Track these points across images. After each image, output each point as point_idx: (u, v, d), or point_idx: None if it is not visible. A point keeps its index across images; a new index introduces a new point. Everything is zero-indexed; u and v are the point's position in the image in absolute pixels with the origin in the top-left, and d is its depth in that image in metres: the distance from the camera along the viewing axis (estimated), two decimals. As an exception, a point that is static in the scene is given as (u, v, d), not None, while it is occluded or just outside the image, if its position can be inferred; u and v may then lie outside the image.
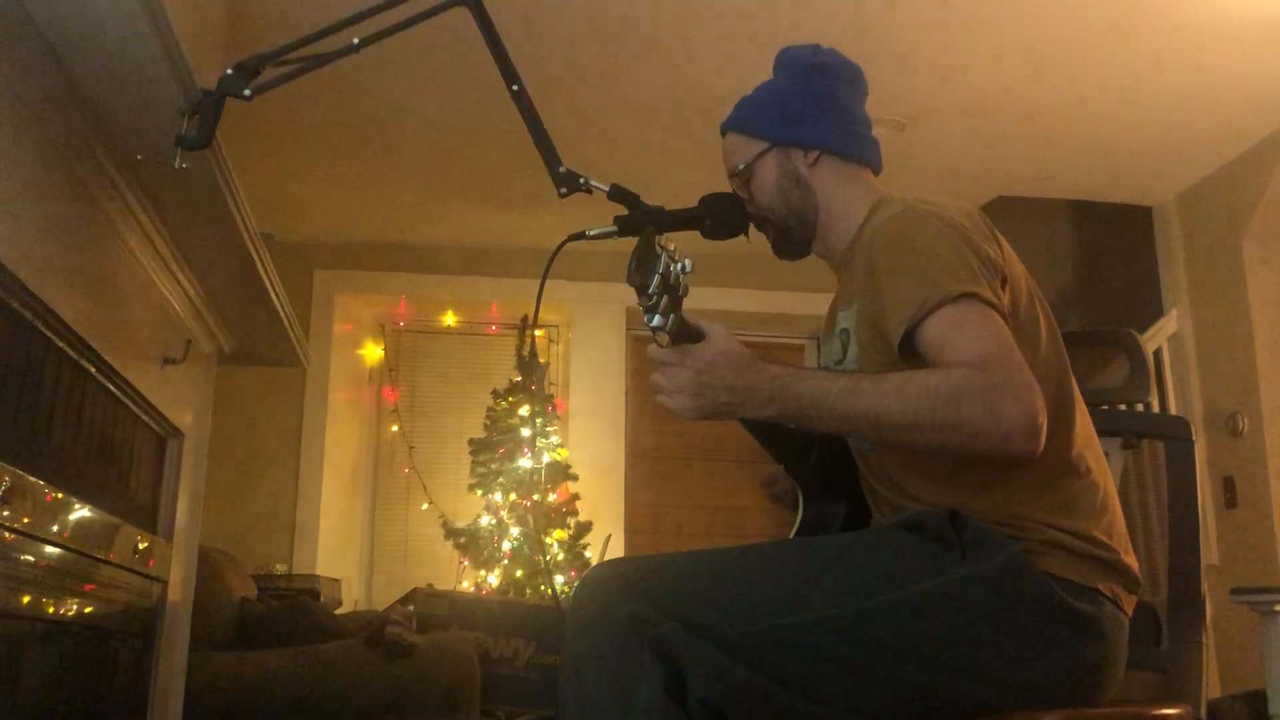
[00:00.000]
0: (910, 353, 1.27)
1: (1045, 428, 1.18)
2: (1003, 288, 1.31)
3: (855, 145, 1.53)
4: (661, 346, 1.24)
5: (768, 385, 1.24)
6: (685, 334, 1.24)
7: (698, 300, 1.32)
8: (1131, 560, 1.33)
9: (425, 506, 4.81)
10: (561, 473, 4.42)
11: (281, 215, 4.57)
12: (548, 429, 4.50)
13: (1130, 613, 1.33)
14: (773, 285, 4.94)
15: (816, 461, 1.50)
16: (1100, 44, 3.27)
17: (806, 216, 1.51)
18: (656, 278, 1.15)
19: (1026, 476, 1.29)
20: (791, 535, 1.52)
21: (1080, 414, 1.38)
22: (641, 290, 1.16)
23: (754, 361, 1.25)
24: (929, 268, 1.27)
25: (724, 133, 1.58)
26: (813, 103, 1.52)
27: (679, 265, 1.18)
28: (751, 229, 1.56)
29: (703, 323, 1.26)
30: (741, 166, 1.53)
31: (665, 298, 1.17)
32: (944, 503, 1.30)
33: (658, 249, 1.16)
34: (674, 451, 5.09)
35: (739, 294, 4.95)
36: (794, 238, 1.53)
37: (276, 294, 2.45)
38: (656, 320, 1.19)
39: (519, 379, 4.51)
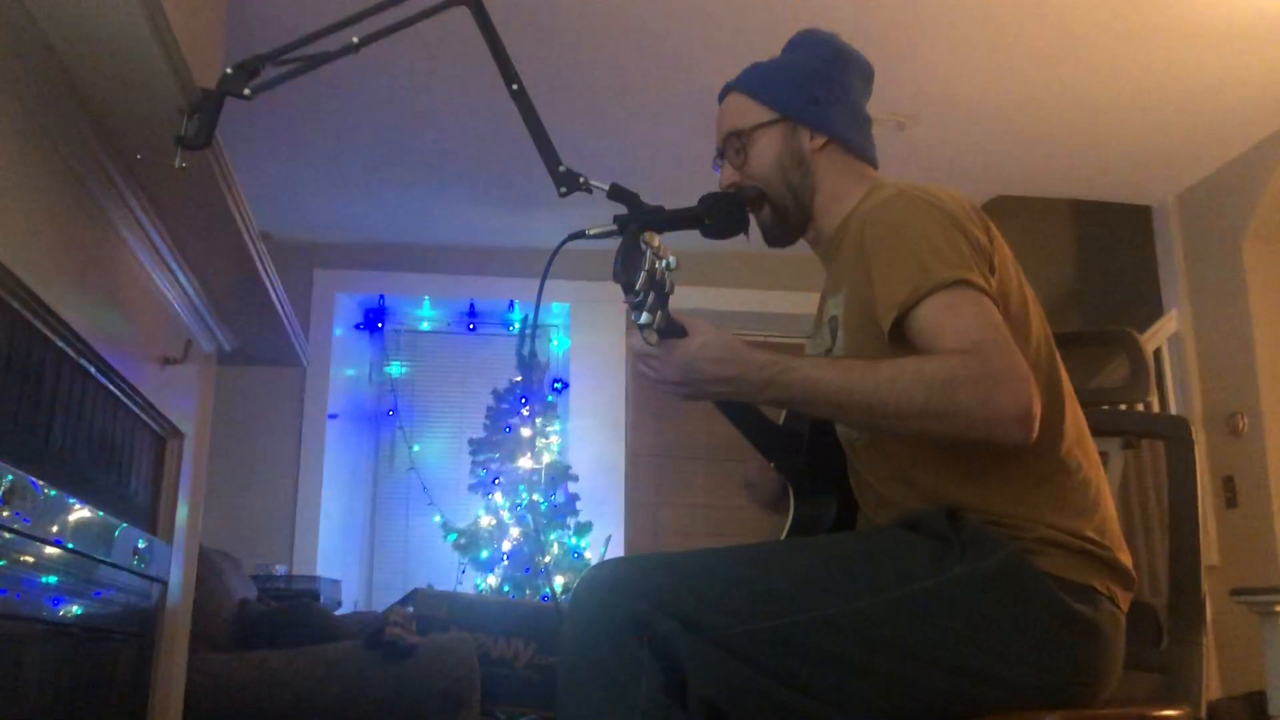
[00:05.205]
0: (900, 339, 1.26)
1: (1038, 415, 1.18)
2: (991, 274, 1.30)
3: (862, 141, 1.52)
4: (649, 342, 1.25)
5: (757, 374, 1.24)
6: (672, 330, 1.25)
7: (698, 300, 1.33)
8: (1125, 557, 1.32)
9: (426, 506, 4.81)
10: (561, 473, 4.42)
11: (281, 215, 4.57)
12: (548, 429, 4.50)
13: (1126, 609, 1.32)
14: (771, 285, 4.94)
15: (806, 459, 1.49)
16: (1100, 44, 3.27)
17: (803, 197, 1.49)
18: (642, 275, 1.17)
19: (1017, 471, 1.28)
20: (784, 534, 1.51)
21: (1071, 408, 1.36)
22: (628, 288, 1.18)
23: (739, 350, 1.25)
24: (921, 253, 1.26)
25: (727, 92, 1.56)
26: (832, 89, 1.51)
27: (664, 262, 1.19)
28: (752, 229, 1.55)
29: (685, 319, 1.26)
30: (745, 129, 1.50)
31: (651, 295, 1.19)
32: (933, 493, 1.30)
33: (642, 246, 1.17)
34: (674, 451, 5.08)
35: (737, 293, 4.95)
36: (790, 219, 1.51)
37: (276, 293, 2.45)
38: (644, 318, 1.21)
39: (519, 379, 4.51)
